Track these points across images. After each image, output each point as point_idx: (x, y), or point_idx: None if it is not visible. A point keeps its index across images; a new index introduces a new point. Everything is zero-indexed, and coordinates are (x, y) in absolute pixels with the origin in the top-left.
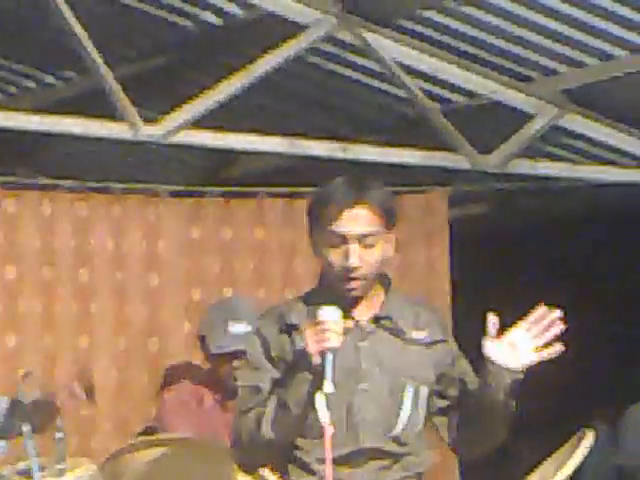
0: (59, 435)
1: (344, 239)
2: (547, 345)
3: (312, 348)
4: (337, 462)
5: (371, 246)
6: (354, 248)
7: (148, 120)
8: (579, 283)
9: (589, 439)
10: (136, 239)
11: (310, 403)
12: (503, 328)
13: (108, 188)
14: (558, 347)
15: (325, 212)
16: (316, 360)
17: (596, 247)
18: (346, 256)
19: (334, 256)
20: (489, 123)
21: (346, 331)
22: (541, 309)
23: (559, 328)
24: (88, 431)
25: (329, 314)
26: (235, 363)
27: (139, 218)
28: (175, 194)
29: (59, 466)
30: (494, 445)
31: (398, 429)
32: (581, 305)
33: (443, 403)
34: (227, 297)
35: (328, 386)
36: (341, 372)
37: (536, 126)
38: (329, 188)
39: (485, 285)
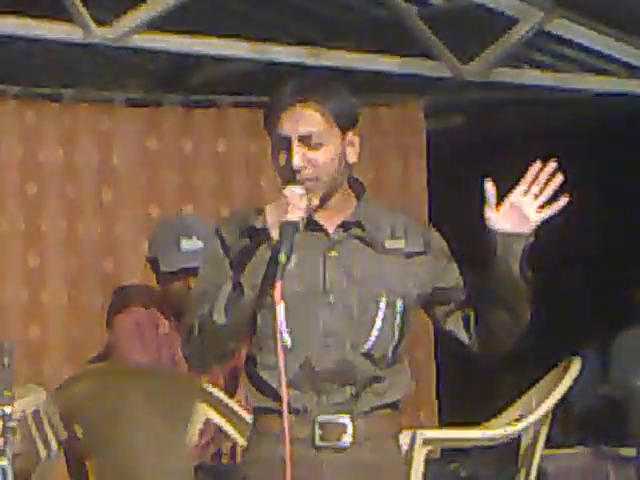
0: (6, 360)
1: (288, 141)
2: (550, 202)
3: (271, 222)
4: (302, 386)
5: (318, 146)
6: (296, 149)
7: (101, 21)
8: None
9: (575, 368)
10: (88, 151)
11: (266, 284)
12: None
13: (58, 95)
14: (562, 200)
15: (271, 117)
16: (275, 234)
17: (583, 161)
18: (290, 158)
19: (281, 160)
20: (470, 28)
21: (308, 209)
22: (535, 166)
23: (558, 180)
24: (38, 356)
25: (291, 190)
26: (189, 281)
27: (92, 128)
28: (131, 102)
29: (6, 393)
30: (519, 328)
31: (369, 343)
32: (564, 225)
33: (449, 307)
34: (174, 216)
35: (284, 258)
36: (307, 284)
37: (520, 31)
38: (275, 92)
39: (464, 200)
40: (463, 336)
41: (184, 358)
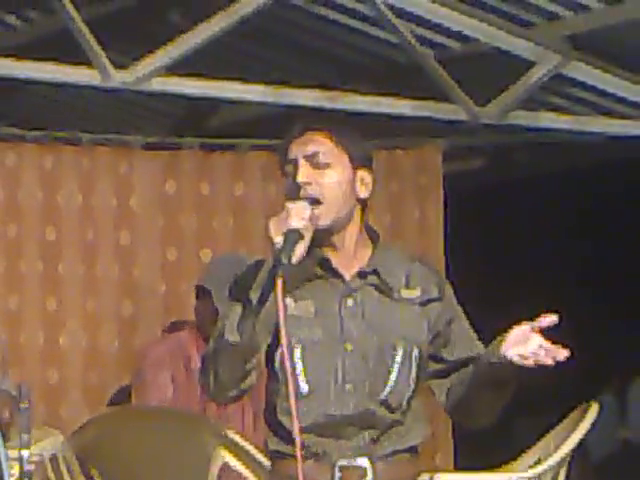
0: (24, 404)
1: (295, 162)
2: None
3: (274, 231)
4: (321, 431)
5: (323, 166)
6: (302, 167)
7: (119, 65)
8: (580, 242)
9: (593, 412)
10: (107, 194)
11: (268, 284)
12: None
13: (77, 139)
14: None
15: (282, 150)
16: (279, 241)
17: (600, 203)
18: (295, 175)
19: (289, 183)
20: (487, 71)
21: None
22: (564, 352)
23: (560, 356)
24: (56, 399)
25: (294, 202)
26: None
27: (110, 171)
28: (149, 146)
29: (24, 437)
30: (489, 418)
31: (385, 392)
32: (582, 266)
33: (438, 366)
34: (231, 253)
35: (285, 258)
36: (324, 332)
37: (537, 75)
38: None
39: (481, 243)
40: (442, 400)
41: (201, 389)
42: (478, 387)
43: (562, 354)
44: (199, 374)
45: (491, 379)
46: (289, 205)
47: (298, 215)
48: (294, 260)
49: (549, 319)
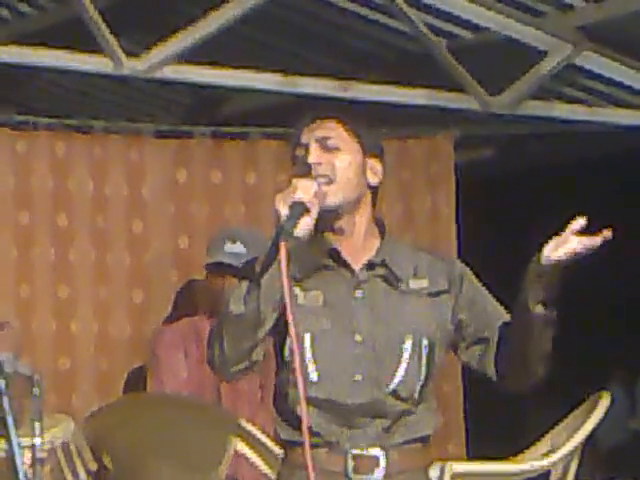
0: (36, 391)
1: (306, 146)
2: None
3: (280, 204)
4: (334, 420)
5: (334, 149)
6: (313, 149)
7: (131, 54)
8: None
9: (605, 402)
10: (118, 182)
11: (272, 250)
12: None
13: (89, 127)
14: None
15: (293, 139)
16: (284, 213)
17: (612, 194)
18: (306, 156)
19: (298, 163)
20: (499, 61)
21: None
22: (607, 233)
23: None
24: (67, 387)
25: (301, 179)
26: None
27: (122, 159)
28: (161, 134)
29: (36, 424)
30: (535, 373)
31: (395, 383)
32: (593, 260)
33: (469, 340)
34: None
35: (289, 226)
36: (333, 323)
37: (549, 65)
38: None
39: (493, 232)
40: (474, 364)
41: (208, 365)
42: (521, 341)
43: (607, 234)
44: (206, 350)
45: (531, 326)
46: (296, 180)
47: (304, 189)
48: (298, 233)
49: (579, 222)
